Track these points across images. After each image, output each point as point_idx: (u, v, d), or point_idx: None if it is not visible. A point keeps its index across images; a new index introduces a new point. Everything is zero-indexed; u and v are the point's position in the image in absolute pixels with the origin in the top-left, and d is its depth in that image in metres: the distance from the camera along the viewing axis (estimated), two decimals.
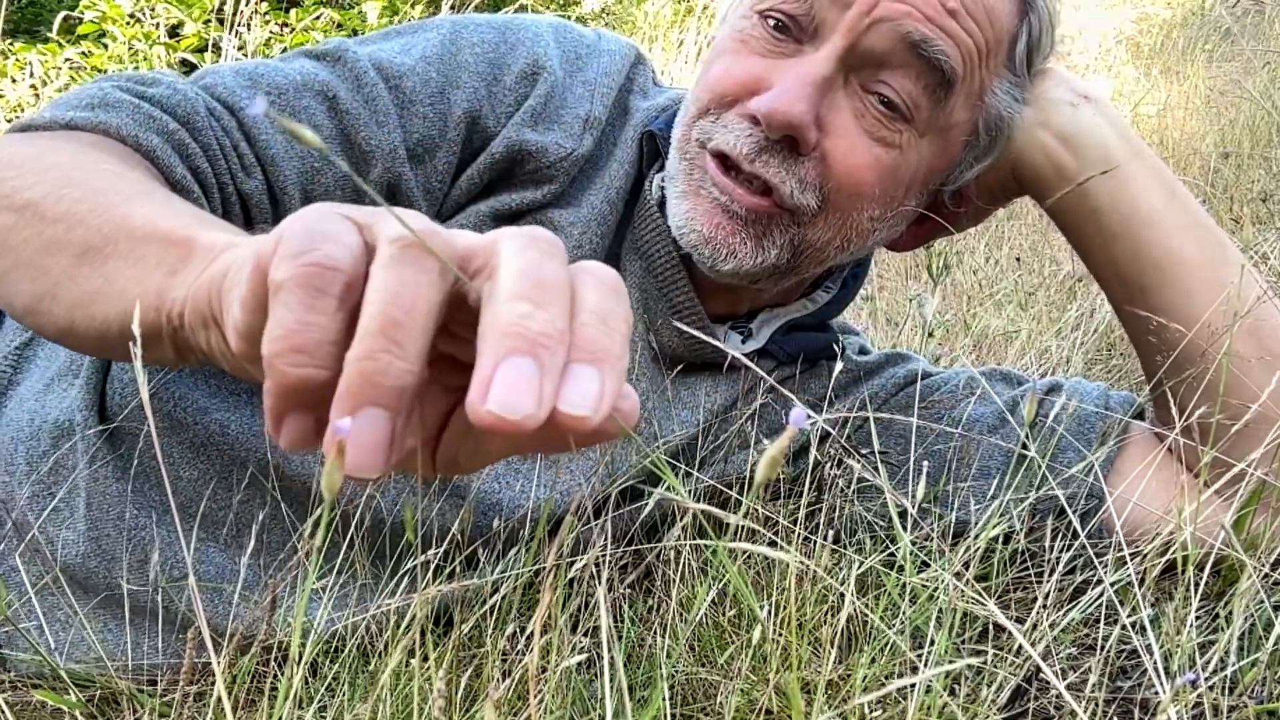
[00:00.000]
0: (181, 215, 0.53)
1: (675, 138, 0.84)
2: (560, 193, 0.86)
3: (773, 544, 0.86)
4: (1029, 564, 0.84)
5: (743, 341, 0.94)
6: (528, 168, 0.84)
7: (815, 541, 0.81)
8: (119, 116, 0.69)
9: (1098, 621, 0.75)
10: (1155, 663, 0.63)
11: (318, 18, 3.85)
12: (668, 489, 0.86)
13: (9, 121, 3.14)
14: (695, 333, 0.79)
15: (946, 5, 0.75)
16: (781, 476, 0.93)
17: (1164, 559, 0.74)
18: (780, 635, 0.73)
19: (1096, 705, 0.69)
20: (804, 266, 0.85)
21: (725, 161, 0.79)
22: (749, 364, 0.67)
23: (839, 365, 0.84)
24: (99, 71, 3.40)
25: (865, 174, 0.79)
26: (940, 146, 0.82)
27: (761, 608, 0.74)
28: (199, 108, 0.72)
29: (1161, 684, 0.56)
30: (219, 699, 0.70)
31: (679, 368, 0.91)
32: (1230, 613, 0.69)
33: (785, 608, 0.76)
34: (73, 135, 0.68)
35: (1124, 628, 0.69)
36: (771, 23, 0.78)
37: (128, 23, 3.44)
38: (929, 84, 0.77)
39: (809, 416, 0.40)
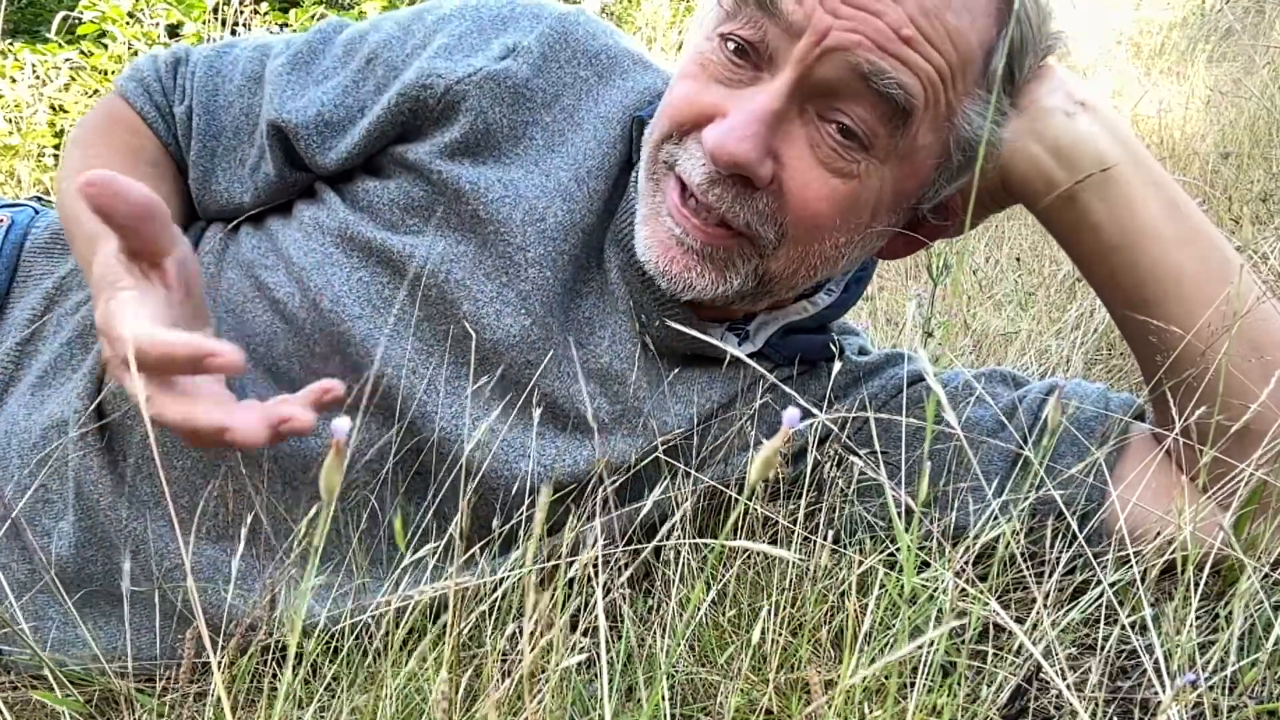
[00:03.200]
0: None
1: (643, 156, 0.83)
2: (502, 128, 0.85)
3: (772, 543, 0.86)
4: (1029, 564, 0.84)
5: (739, 344, 0.93)
6: (437, 93, 0.84)
7: (815, 541, 0.81)
8: (123, 74, 0.96)
9: (1098, 621, 0.75)
10: (1155, 663, 0.63)
11: (320, 18, 3.85)
12: (666, 487, 0.86)
13: (9, 121, 3.15)
14: (685, 329, 0.78)
15: (901, 33, 0.71)
16: (781, 478, 0.93)
17: (1164, 559, 0.74)
18: (780, 635, 0.73)
19: (1096, 705, 0.69)
20: (775, 292, 0.85)
21: (686, 188, 0.79)
22: (741, 355, 0.67)
23: (836, 366, 0.84)
24: (99, 72, 3.41)
25: (821, 206, 0.77)
26: (906, 170, 0.79)
27: (761, 608, 0.74)
28: (170, 60, 0.95)
29: (1161, 684, 0.56)
30: (219, 699, 0.70)
31: (677, 363, 0.91)
32: (1230, 613, 0.69)
33: (785, 608, 0.76)
34: (107, 113, 0.95)
35: (1124, 628, 0.69)
36: (731, 46, 0.76)
37: (127, 23, 3.44)
38: (884, 113, 0.74)
39: (804, 418, 0.41)
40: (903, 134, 0.75)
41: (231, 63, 0.94)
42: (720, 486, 0.91)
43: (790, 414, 0.42)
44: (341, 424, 0.39)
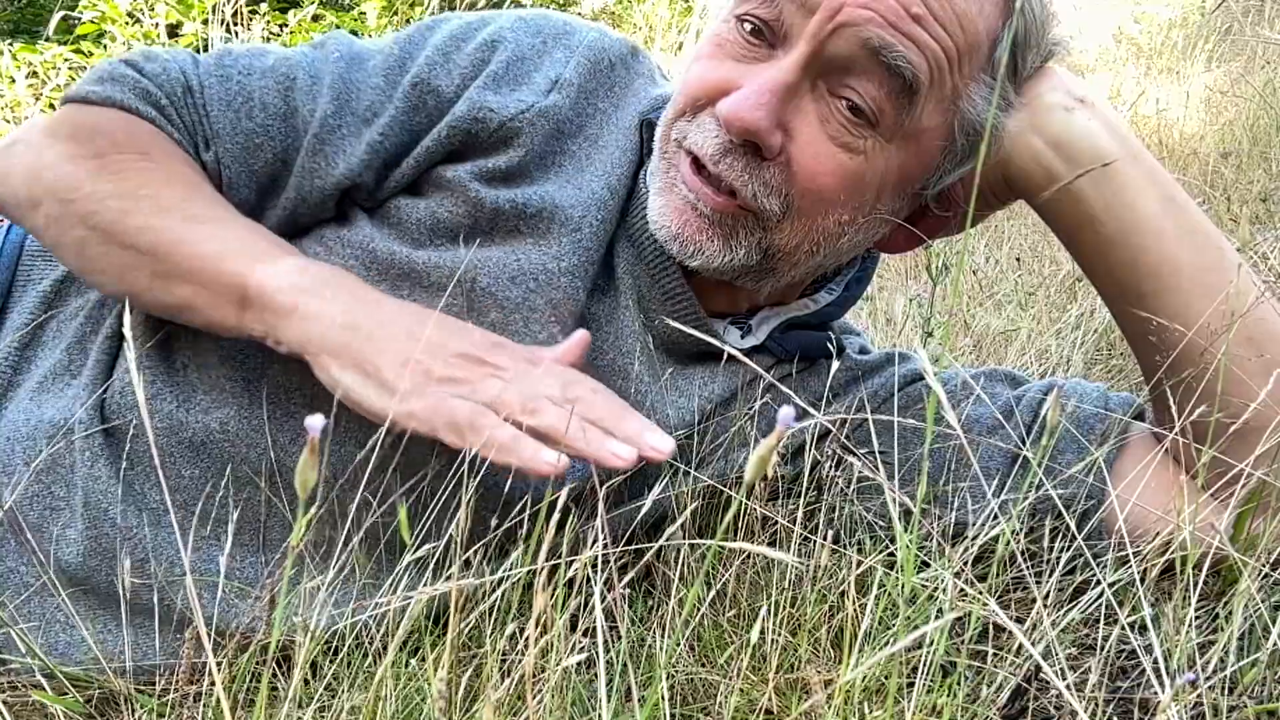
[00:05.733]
0: (214, 240, 0.76)
1: (657, 137, 0.86)
2: (538, 157, 0.86)
3: (772, 543, 0.86)
4: (1028, 564, 0.84)
5: (741, 338, 0.94)
6: (491, 127, 0.85)
7: (815, 541, 0.81)
8: (121, 91, 0.83)
9: (1098, 621, 0.75)
10: (1155, 663, 0.63)
11: (317, 19, 3.85)
12: (666, 486, 0.86)
13: (7, 121, 3.15)
14: (684, 327, 0.79)
15: (910, 11, 0.74)
16: (780, 476, 0.93)
17: (1163, 559, 0.74)
18: (779, 635, 0.73)
19: (1096, 705, 0.69)
20: (779, 269, 0.86)
21: (697, 161, 0.81)
22: (740, 355, 0.67)
23: (835, 364, 0.84)
24: None
25: (829, 180, 0.79)
26: (911, 152, 0.81)
27: (761, 607, 0.74)
28: (178, 88, 0.84)
29: (1161, 684, 0.56)
30: (218, 699, 0.70)
31: (681, 359, 0.92)
32: (1230, 613, 0.69)
33: (784, 608, 0.76)
34: (108, 122, 0.82)
35: (1124, 628, 0.69)
36: (747, 26, 0.79)
37: (126, 23, 3.44)
38: (892, 90, 0.76)
39: (799, 416, 0.41)
40: (909, 112, 0.78)
41: (246, 99, 0.84)
42: (719, 486, 0.91)
43: (784, 413, 0.42)
44: (315, 421, 0.39)
